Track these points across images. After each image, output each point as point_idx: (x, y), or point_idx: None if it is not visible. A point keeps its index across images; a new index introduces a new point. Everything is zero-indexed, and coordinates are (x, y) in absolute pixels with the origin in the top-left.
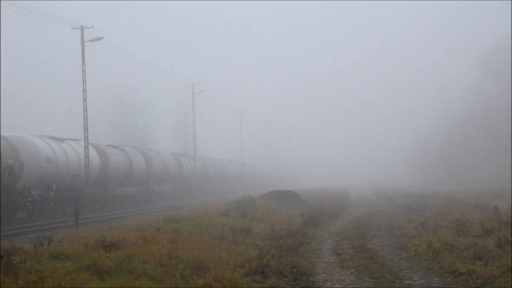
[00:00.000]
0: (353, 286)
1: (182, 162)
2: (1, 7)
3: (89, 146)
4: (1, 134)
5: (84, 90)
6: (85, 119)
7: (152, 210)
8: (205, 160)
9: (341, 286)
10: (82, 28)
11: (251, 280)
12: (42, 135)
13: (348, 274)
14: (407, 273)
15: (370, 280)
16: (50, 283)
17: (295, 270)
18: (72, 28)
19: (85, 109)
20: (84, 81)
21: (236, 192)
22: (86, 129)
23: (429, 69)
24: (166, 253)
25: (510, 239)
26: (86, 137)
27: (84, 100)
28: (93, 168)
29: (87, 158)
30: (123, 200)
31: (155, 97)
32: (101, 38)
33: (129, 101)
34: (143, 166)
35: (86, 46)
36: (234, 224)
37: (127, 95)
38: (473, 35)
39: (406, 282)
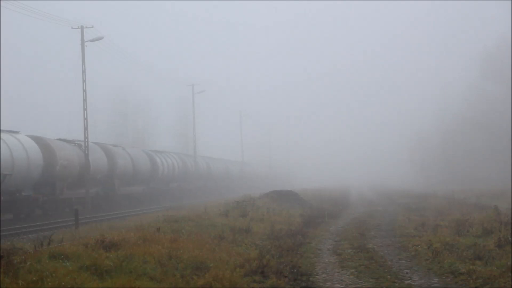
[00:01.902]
0: (353, 286)
1: (157, 160)
2: (1, 7)
3: (29, 139)
4: None
5: (84, 90)
6: (85, 119)
7: (152, 210)
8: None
9: (341, 286)
10: (82, 28)
11: (251, 280)
12: None
13: (348, 274)
14: (407, 273)
15: (370, 280)
16: (50, 283)
17: (295, 270)
18: (72, 28)
19: (85, 109)
20: (84, 81)
21: (236, 192)
22: (86, 129)
23: (429, 69)
24: (166, 253)
25: (510, 239)
26: (86, 137)
27: (84, 100)
28: (31, 166)
29: (87, 159)
30: (78, 204)
31: (155, 97)
32: (101, 38)
33: (129, 101)
34: (105, 165)
35: (86, 46)
36: (234, 224)
37: (127, 95)
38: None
39: (406, 282)
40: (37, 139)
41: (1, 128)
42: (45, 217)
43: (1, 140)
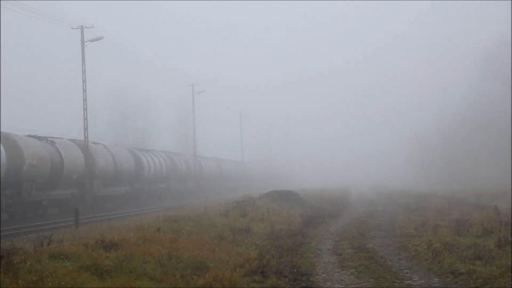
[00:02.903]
0: (353, 286)
1: (142, 159)
2: (1, 7)
3: None
4: None
5: (84, 90)
6: (85, 119)
7: (152, 210)
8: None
9: (341, 286)
10: (82, 28)
11: (251, 280)
12: None
13: (348, 274)
14: (407, 273)
15: (370, 280)
16: (50, 283)
17: (295, 270)
18: (72, 28)
19: (85, 109)
20: (84, 81)
21: (236, 192)
22: (86, 129)
23: (429, 69)
24: (166, 253)
25: (510, 239)
26: (86, 137)
27: (84, 100)
28: None
29: (87, 159)
30: (52, 207)
31: (155, 97)
32: (101, 38)
33: (129, 101)
34: (81, 164)
35: (86, 46)
36: (234, 224)
37: (127, 95)
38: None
39: (406, 282)
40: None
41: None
42: (12, 221)
43: None
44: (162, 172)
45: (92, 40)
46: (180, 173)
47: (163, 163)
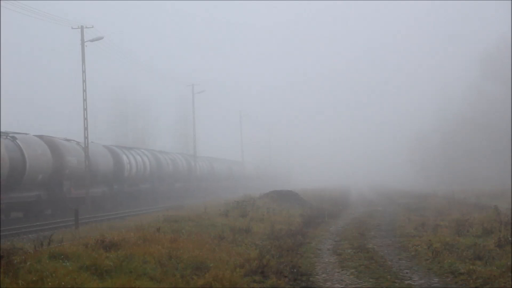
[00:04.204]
0: (353, 286)
1: (122, 158)
2: (1, 7)
3: None
4: None
5: (84, 90)
6: (85, 119)
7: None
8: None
9: (341, 286)
10: (82, 28)
11: (251, 280)
12: None
13: (348, 274)
14: (407, 273)
15: (370, 280)
16: (50, 283)
17: (295, 270)
18: (72, 28)
19: (85, 109)
20: (84, 81)
21: (236, 192)
22: (86, 129)
23: (429, 68)
24: (166, 253)
25: (510, 239)
26: (86, 137)
27: (84, 100)
28: None
29: (87, 160)
30: (15, 211)
31: (155, 97)
32: (101, 38)
33: (129, 101)
34: (49, 162)
35: (86, 46)
36: (234, 224)
37: (127, 95)
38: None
39: (406, 282)
40: None
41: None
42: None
43: None
44: (145, 172)
45: (92, 40)
46: (166, 173)
47: (146, 162)
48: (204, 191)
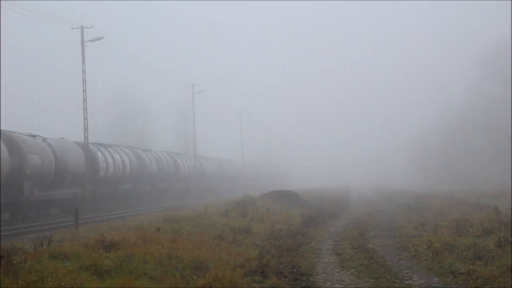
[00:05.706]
0: (353, 286)
1: (98, 156)
2: (1, 7)
3: None
4: None
5: (84, 90)
6: (85, 119)
7: (151, 210)
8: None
9: (341, 286)
10: (82, 28)
11: (251, 280)
12: None
13: (348, 274)
14: (407, 273)
15: (370, 280)
16: (50, 283)
17: (295, 270)
18: (72, 28)
19: (85, 109)
20: (84, 81)
21: (236, 192)
22: (86, 129)
23: (429, 68)
24: (166, 253)
25: (510, 239)
26: (86, 137)
27: (84, 100)
28: None
29: (87, 159)
30: None
31: (155, 97)
32: (101, 38)
33: (129, 101)
34: (5, 161)
35: (86, 46)
36: (234, 224)
37: (127, 95)
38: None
39: (406, 282)
40: None
41: (1, 128)
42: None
43: None
44: (125, 172)
45: (92, 40)
46: (150, 173)
47: (126, 161)
48: (193, 192)
